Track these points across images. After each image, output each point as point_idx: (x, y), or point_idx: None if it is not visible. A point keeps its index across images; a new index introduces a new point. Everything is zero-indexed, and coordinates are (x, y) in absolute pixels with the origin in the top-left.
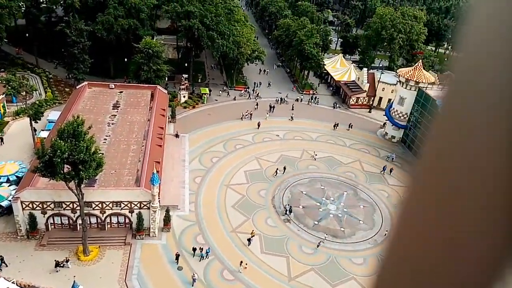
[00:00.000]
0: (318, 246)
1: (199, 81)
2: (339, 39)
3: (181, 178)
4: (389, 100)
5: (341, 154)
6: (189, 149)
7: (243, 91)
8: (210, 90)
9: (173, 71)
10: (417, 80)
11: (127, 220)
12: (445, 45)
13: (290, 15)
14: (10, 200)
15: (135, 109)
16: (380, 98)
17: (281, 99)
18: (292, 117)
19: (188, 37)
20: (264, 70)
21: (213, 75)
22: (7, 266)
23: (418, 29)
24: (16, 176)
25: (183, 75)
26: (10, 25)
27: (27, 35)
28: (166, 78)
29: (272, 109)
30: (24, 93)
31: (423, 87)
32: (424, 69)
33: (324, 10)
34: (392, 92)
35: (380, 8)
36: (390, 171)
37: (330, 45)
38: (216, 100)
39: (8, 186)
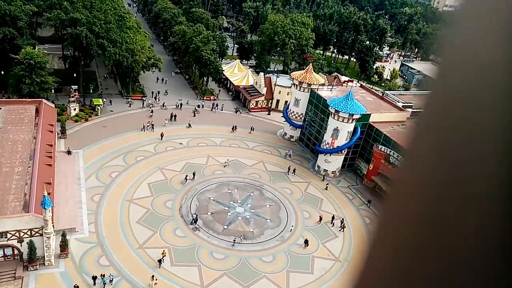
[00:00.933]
0: (233, 245)
1: (91, 92)
2: (235, 45)
3: (77, 198)
4: (286, 102)
5: (245, 156)
6: (84, 165)
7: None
8: (104, 101)
9: (60, 83)
10: (309, 82)
11: (16, 252)
12: (331, 49)
13: (185, 22)
14: None
15: (18, 127)
16: (278, 101)
17: (181, 104)
18: (189, 124)
19: (75, 46)
20: (163, 79)
21: (106, 84)
22: None
23: (307, 34)
24: None
25: (72, 86)
26: None
27: None
28: (53, 90)
29: (174, 117)
30: None
31: (315, 88)
32: (314, 71)
33: (219, 16)
34: (288, 95)
35: (271, 15)
36: (294, 171)
37: (227, 51)
38: (112, 111)
39: None
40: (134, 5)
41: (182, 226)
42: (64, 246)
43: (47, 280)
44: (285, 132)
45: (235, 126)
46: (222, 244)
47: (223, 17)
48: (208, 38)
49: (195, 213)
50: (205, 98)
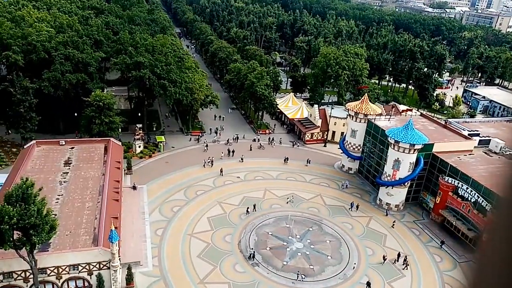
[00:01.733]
0: (293, 283)
1: (154, 129)
2: (289, 79)
3: (142, 231)
4: (342, 133)
5: (302, 190)
6: (148, 200)
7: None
8: (165, 142)
9: (126, 122)
10: (365, 113)
11: (86, 284)
12: (387, 78)
13: (239, 59)
14: None
15: (88, 164)
16: (333, 132)
17: (237, 138)
18: (242, 159)
19: (139, 87)
20: (220, 116)
21: (168, 122)
22: None
23: (361, 64)
24: None
25: (137, 125)
26: None
27: None
28: (120, 129)
29: (232, 153)
30: None
31: (372, 118)
32: (370, 101)
33: (272, 52)
34: (343, 126)
35: (323, 48)
36: (357, 207)
37: (281, 85)
38: (173, 147)
39: None
40: (192, 46)
41: (242, 261)
42: (129, 279)
43: None
44: (342, 164)
45: (287, 158)
46: (282, 281)
47: (276, 52)
48: (261, 74)
49: (252, 248)
50: (260, 132)
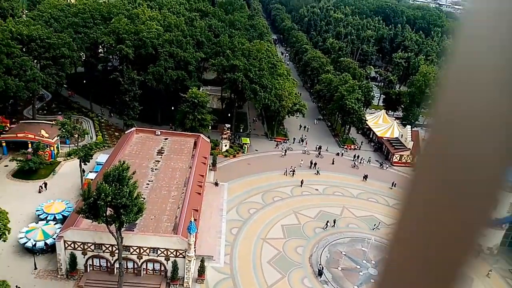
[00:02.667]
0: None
1: (241, 131)
2: (382, 95)
3: (218, 228)
4: None
5: (384, 214)
6: (227, 198)
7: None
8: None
9: (216, 121)
10: None
11: (162, 268)
12: None
13: (332, 70)
14: (54, 238)
15: (178, 156)
16: None
17: (320, 148)
18: (318, 171)
19: (232, 89)
20: (305, 126)
21: (254, 125)
22: None
23: None
24: (62, 215)
25: (226, 124)
26: (71, 72)
27: (84, 81)
28: (210, 127)
29: (314, 165)
30: (76, 136)
31: None
32: None
33: (367, 66)
34: None
35: (424, 67)
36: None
37: (372, 100)
38: (257, 150)
39: (54, 224)
40: (287, 53)
41: (311, 276)
42: (201, 271)
43: None
44: None
45: (366, 176)
46: None
47: (371, 67)
48: (353, 87)
49: (321, 265)
50: (345, 146)
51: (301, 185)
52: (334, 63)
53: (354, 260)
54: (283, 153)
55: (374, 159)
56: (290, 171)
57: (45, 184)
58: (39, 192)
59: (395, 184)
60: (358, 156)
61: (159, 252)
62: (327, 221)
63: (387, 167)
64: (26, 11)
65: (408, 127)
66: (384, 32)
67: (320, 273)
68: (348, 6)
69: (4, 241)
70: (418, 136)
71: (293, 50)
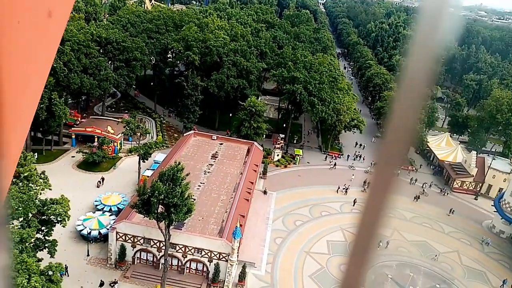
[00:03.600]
0: None
1: (295, 142)
2: (447, 117)
3: (262, 236)
4: (500, 189)
5: (437, 241)
6: (274, 207)
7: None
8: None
9: (271, 130)
10: None
11: (205, 269)
12: None
13: (395, 88)
14: (108, 229)
15: (231, 162)
16: (490, 186)
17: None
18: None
19: (290, 100)
20: (361, 144)
21: (308, 137)
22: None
23: None
24: (118, 208)
25: (280, 134)
26: (140, 74)
27: (152, 84)
28: (264, 135)
29: (367, 184)
30: (139, 134)
31: None
32: None
33: (433, 86)
34: (504, 181)
35: (497, 91)
36: (504, 283)
37: (436, 122)
38: (309, 162)
39: (109, 216)
40: (349, 68)
41: None
42: (242, 277)
43: None
44: (493, 224)
45: (418, 197)
46: None
47: (438, 87)
48: None
49: None
50: (402, 167)
51: (353, 204)
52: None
53: (400, 285)
54: (332, 166)
55: (433, 183)
56: (343, 189)
57: (103, 179)
58: (97, 186)
59: (453, 211)
60: (416, 180)
61: (203, 253)
62: (380, 241)
63: (447, 193)
64: (108, 15)
65: (474, 152)
66: (456, 52)
67: None
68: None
69: (64, 226)
70: (484, 163)
71: (356, 65)
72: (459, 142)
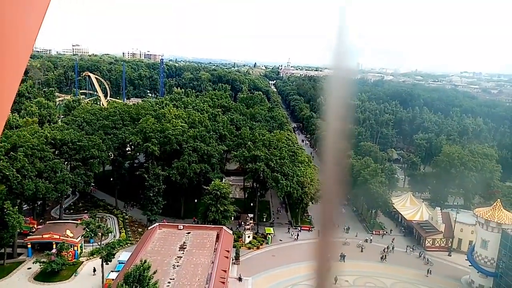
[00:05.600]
0: None
1: (264, 220)
2: (407, 177)
3: None
4: (470, 242)
5: None
6: None
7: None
8: (289, 230)
9: (239, 211)
10: (498, 221)
11: None
12: None
13: (353, 156)
14: None
15: (200, 251)
16: (460, 240)
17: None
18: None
19: (254, 179)
20: None
21: (278, 215)
22: None
23: (491, 166)
24: None
25: (249, 214)
26: (98, 172)
27: (111, 179)
28: (233, 218)
29: (343, 258)
30: (100, 235)
31: (508, 229)
32: (504, 208)
33: (388, 149)
34: (472, 233)
35: (446, 147)
36: None
37: (397, 183)
38: (281, 240)
39: None
40: (307, 141)
41: None
42: None
43: None
44: (472, 279)
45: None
46: None
47: (393, 149)
48: (376, 171)
49: None
50: (373, 232)
51: (335, 282)
52: (355, 147)
53: None
54: (295, 237)
55: (405, 244)
56: None
57: None
58: None
59: (431, 271)
60: (391, 248)
61: None
62: None
63: (423, 253)
64: (62, 116)
65: (438, 208)
66: (403, 115)
67: None
68: (364, 93)
69: None
70: (450, 217)
71: (313, 137)
72: (422, 200)
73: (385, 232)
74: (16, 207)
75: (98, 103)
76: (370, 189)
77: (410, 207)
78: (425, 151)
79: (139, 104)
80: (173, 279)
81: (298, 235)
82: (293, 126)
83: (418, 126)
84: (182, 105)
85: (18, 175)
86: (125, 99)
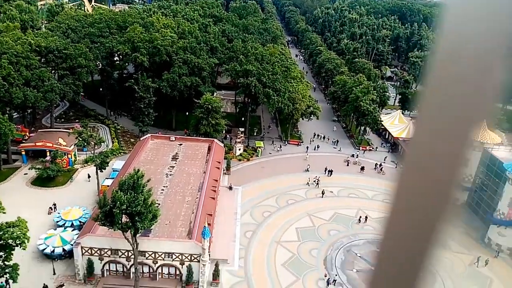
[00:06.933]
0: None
1: (255, 134)
2: (398, 95)
3: (232, 231)
4: None
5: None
6: (241, 202)
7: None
8: (274, 146)
9: (230, 125)
10: (481, 140)
11: (177, 272)
12: None
13: (346, 72)
14: (72, 245)
15: (192, 161)
16: None
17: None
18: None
19: (245, 93)
20: (318, 135)
21: (269, 130)
22: None
23: None
24: (80, 222)
25: (240, 128)
26: (87, 81)
27: (101, 89)
28: (224, 131)
29: (330, 173)
30: (93, 144)
31: (488, 147)
32: (488, 128)
33: (382, 66)
34: None
35: None
36: (486, 263)
37: (388, 101)
38: (270, 153)
39: (72, 231)
40: (301, 56)
41: (324, 275)
42: (216, 275)
43: None
44: None
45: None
46: None
47: (387, 67)
48: (368, 89)
49: (336, 275)
50: (360, 148)
51: (322, 196)
52: (349, 64)
53: (368, 261)
54: (277, 148)
55: (390, 160)
56: (314, 181)
57: (55, 205)
58: (49, 213)
59: None
60: (380, 165)
61: (173, 256)
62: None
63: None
64: (46, 22)
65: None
66: (400, 31)
67: (333, 281)
68: (363, 6)
69: (24, 249)
70: None
71: (307, 52)
72: (410, 118)
73: (371, 149)
74: (6, 115)
75: (83, 8)
76: (361, 106)
77: (399, 125)
78: (419, 69)
79: (126, 11)
80: (166, 187)
81: (281, 146)
82: (287, 40)
83: (414, 44)
84: (171, 14)
85: (5, 83)
86: (110, 4)
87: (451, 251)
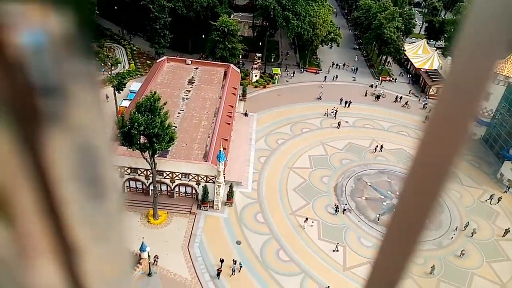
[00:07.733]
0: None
1: (272, 60)
2: (425, 23)
3: (247, 156)
4: None
5: (412, 147)
6: (256, 128)
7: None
8: (288, 72)
9: (247, 50)
10: (508, 74)
11: (193, 191)
12: None
13: None
14: None
15: (208, 86)
16: None
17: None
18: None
19: (264, 16)
20: (337, 64)
21: (287, 56)
22: None
23: None
24: None
25: (257, 54)
26: None
27: (115, 7)
28: (240, 56)
29: (348, 103)
30: (109, 64)
31: None
32: None
33: None
34: None
35: None
36: (498, 201)
37: (413, 29)
38: (287, 81)
39: None
40: None
41: (335, 204)
42: (230, 195)
43: (213, 221)
44: None
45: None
46: (372, 232)
47: None
48: (393, 15)
49: (346, 204)
50: (380, 78)
51: (338, 127)
52: None
53: (379, 190)
54: (291, 75)
55: (411, 91)
56: (332, 112)
57: None
58: None
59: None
60: (401, 98)
61: (190, 177)
62: (376, 146)
63: (424, 101)
64: None
65: (450, 58)
66: None
67: (336, 210)
68: None
69: None
70: None
71: None
72: (435, 49)
73: (391, 79)
74: None
75: None
76: (384, 34)
77: (422, 55)
78: None
79: None
80: (183, 110)
81: (294, 72)
82: None
83: None
84: None
85: None
86: None
87: (461, 184)
